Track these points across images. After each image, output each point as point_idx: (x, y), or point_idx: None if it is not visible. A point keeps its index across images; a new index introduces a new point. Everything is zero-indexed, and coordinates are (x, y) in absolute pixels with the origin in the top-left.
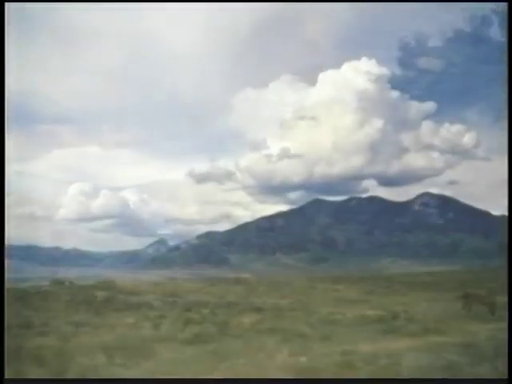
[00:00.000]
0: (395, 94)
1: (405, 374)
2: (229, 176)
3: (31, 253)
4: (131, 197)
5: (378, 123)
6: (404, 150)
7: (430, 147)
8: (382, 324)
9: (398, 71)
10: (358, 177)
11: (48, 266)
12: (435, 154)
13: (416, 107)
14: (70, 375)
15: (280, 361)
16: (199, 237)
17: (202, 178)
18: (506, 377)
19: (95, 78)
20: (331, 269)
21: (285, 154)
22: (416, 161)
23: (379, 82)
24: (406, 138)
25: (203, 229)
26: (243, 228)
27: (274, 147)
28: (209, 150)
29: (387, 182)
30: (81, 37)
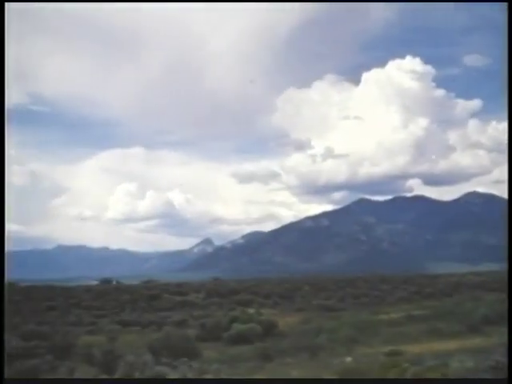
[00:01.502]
0: (440, 92)
1: (451, 375)
2: (273, 176)
3: (81, 253)
4: (176, 197)
5: (423, 122)
6: (450, 149)
7: (476, 145)
8: (427, 324)
9: (444, 69)
10: (403, 176)
11: (97, 265)
12: (482, 153)
13: (462, 105)
14: (118, 374)
15: (325, 361)
16: (244, 237)
17: (246, 179)
18: None
19: (139, 81)
20: (376, 268)
21: (329, 154)
22: (462, 159)
23: (424, 81)
24: (452, 137)
25: (248, 229)
26: (288, 228)
27: (319, 147)
28: (253, 150)
29: (433, 181)
30: (123, 39)
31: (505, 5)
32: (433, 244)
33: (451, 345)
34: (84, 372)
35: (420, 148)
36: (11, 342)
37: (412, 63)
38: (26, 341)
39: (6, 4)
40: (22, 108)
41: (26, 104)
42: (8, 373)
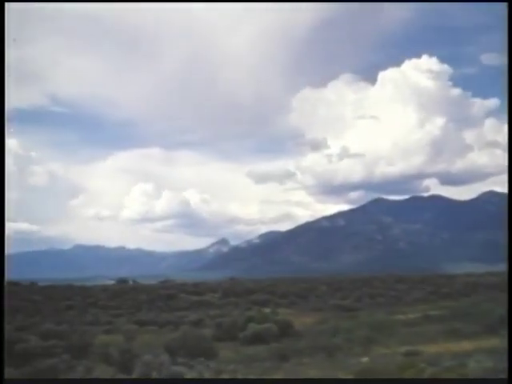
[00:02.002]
0: (457, 91)
1: (470, 376)
2: (289, 176)
3: (98, 252)
4: (193, 197)
5: (439, 121)
6: (467, 148)
7: (493, 145)
8: (444, 325)
9: (460, 68)
10: (420, 176)
11: (113, 265)
12: (499, 152)
13: (479, 104)
14: (135, 374)
15: (342, 361)
16: (260, 236)
17: (262, 178)
18: None
19: (156, 81)
20: (392, 268)
21: (345, 154)
22: (479, 159)
23: (440, 80)
24: (469, 136)
25: (264, 228)
26: (304, 227)
27: (335, 147)
28: (269, 150)
29: (449, 180)
30: (141, 39)
31: (505, 5)
32: (449, 244)
33: (468, 345)
34: (101, 371)
35: (436, 147)
36: (31, 341)
37: (428, 62)
38: (45, 340)
39: (12, 4)
40: (41, 109)
41: (45, 105)
42: (27, 371)
